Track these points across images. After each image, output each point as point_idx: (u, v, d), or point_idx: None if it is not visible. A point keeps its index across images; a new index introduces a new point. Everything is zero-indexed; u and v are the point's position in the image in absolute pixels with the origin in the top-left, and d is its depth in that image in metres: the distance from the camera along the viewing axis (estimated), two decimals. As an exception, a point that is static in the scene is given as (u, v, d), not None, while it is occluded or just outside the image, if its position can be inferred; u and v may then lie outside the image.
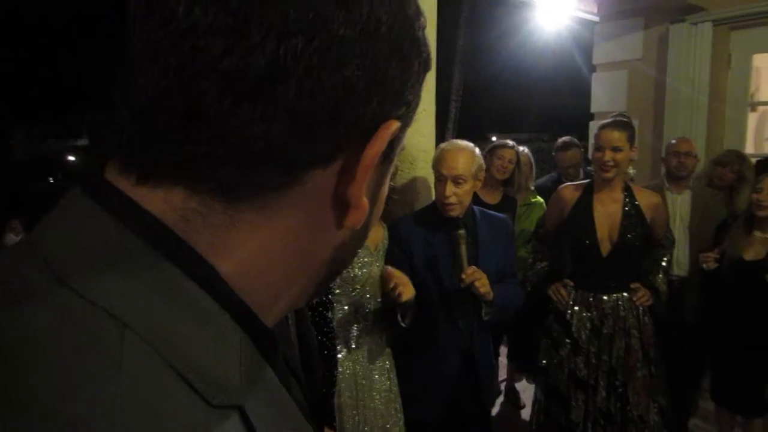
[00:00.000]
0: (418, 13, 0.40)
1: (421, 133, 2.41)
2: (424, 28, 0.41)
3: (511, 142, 3.46)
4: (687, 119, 4.10)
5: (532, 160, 3.74)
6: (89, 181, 0.36)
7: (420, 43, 0.40)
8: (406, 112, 0.40)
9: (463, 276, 1.98)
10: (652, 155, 4.39)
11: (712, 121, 4.13)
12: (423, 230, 2.14)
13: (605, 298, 2.52)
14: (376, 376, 2.09)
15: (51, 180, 20.13)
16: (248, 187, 0.35)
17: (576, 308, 2.55)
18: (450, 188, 2.06)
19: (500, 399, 3.76)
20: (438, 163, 2.11)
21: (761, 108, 5.15)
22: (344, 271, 1.94)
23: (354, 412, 2.01)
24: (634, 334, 2.48)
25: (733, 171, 3.32)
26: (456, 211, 2.10)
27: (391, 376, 2.15)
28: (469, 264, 2.01)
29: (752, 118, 4.86)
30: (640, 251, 2.56)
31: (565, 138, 4.09)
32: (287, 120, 0.33)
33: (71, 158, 23.07)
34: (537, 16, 5.34)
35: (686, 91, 4.08)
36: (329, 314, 1.78)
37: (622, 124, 2.45)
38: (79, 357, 0.29)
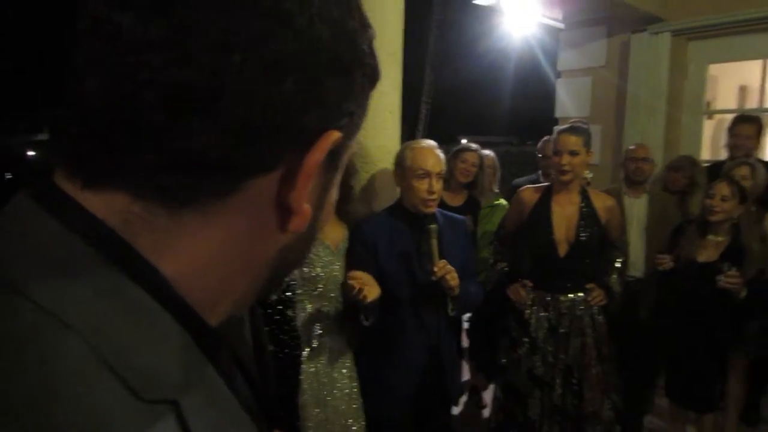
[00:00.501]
0: (365, 25, 0.42)
1: (386, 134, 2.43)
2: (371, 40, 0.43)
3: (474, 146, 3.51)
4: (646, 125, 4.22)
5: (497, 164, 3.81)
6: (38, 184, 0.37)
7: (363, 56, 0.41)
8: (349, 122, 0.42)
9: (436, 269, 2.02)
10: (614, 160, 4.51)
11: (669, 127, 4.26)
12: (388, 229, 2.16)
13: (562, 298, 2.59)
14: (338, 375, 2.11)
15: (9, 176, 19.50)
16: (191, 194, 0.36)
17: (534, 308, 2.62)
18: (434, 184, 2.11)
19: (463, 398, 3.81)
20: (419, 161, 2.13)
21: (717, 116, 5.34)
22: (306, 271, 1.99)
23: (317, 410, 2.02)
24: (588, 333, 2.55)
25: (685, 176, 3.44)
26: (433, 208, 2.16)
27: (353, 374, 2.16)
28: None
29: (708, 126, 5.03)
30: (596, 252, 2.64)
31: (546, 138, 4.16)
32: (227, 131, 0.35)
33: (31, 153, 22.39)
34: (505, 22, 5.45)
35: (646, 98, 4.20)
36: (290, 312, 1.79)
37: (579, 129, 2.53)
38: (13, 351, 0.31)
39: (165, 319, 0.36)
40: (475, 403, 3.82)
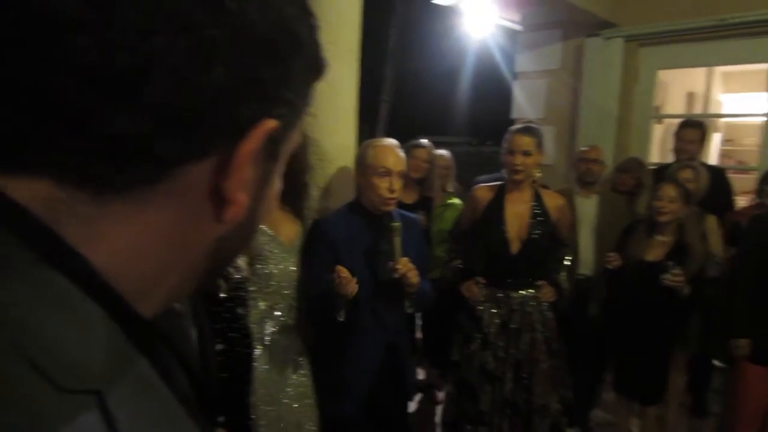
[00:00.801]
0: (305, 13, 0.41)
1: (342, 132, 2.43)
2: (313, 28, 0.42)
3: (425, 142, 3.50)
4: (599, 128, 4.34)
5: (452, 164, 3.84)
6: None
7: (302, 44, 0.40)
8: (288, 111, 0.41)
9: (399, 266, 2.05)
10: (567, 160, 4.62)
11: (621, 130, 4.40)
12: (347, 227, 2.16)
13: (513, 294, 2.64)
14: (292, 373, 2.09)
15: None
16: (117, 181, 0.35)
17: (486, 304, 2.67)
18: (395, 183, 2.12)
19: (417, 395, 3.85)
20: (380, 159, 2.13)
21: (667, 120, 5.53)
22: (259, 268, 1.96)
23: (269, 408, 2.00)
24: (538, 329, 2.62)
25: (633, 177, 3.56)
26: (392, 206, 2.17)
27: (307, 372, 2.15)
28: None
29: (658, 130, 5.21)
30: (546, 250, 2.70)
31: None
32: (153, 117, 0.33)
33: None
34: (464, 23, 5.51)
35: (599, 101, 4.32)
36: (241, 310, 1.76)
37: (532, 130, 2.59)
38: None
39: (91, 309, 0.34)
40: (429, 399, 3.86)
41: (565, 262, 2.83)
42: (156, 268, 0.40)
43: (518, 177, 2.58)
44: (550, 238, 2.67)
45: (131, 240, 0.37)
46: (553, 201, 2.70)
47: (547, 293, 2.67)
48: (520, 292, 2.65)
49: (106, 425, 0.32)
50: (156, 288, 0.41)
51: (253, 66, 0.37)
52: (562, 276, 2.80)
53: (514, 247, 2.60)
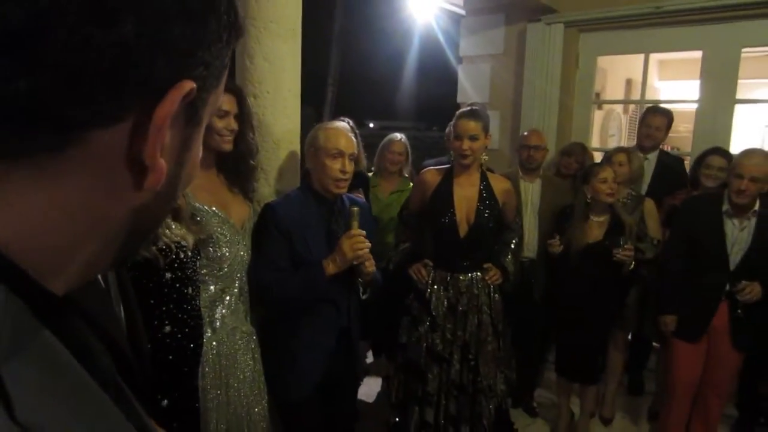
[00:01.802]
0: None
1: (285, 114, 2.37)
2: None
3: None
4: (541, 113, 4.41)
5: (408, 148, 3.84)
6: None
7: (218, 3, 0.39)
8: (204, 72, 0.40)
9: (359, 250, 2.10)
10: (511, 144, 4.68)
11: (562, 115, 4.47)
12: (300, 210, 2.15)
13: (461, 277, 2.66)
14: (241, 358, 2.07)
15: None
16: (19, 146, 0.33)
17: (435, 287, 2.68)
18: (347, 164, 2.15)
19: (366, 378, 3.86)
20: (332, 141, 2.15)
21: (606, 106, 5.68)
22: (210, 251, 1.91)
23: (218, 392, 1.97)
24: (485, 311, 2.65)
25: (577, 161, 3.64)
26: (344, 189, 2.20)
27: (256, 356, 2.14)
28: None
29: (598, 116, 5.34)
30: (493, 233, 2.74)
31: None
32: (55, 77, 0.31)
33: None
34: (409, 6, 5.48)
35: (541, 86, 4.37)
36: (189, 290, 1.71)
37: (478, 114, 2.60)
38: None
39: None
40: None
41: (512, 246, 2.86)
42: (69, 241, 0.38)
43: (466, 161, 2.59)
44: (496, 222, 2.70)
45: (38, 211, 0.35)
46: (499, 185, 2.73)
47: (494, 276, 2.71)
48: (468, 274, 2.67)
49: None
50: (70, 261, 0.39)
51: (163, 23, 0.35)
52: (509, 259, 2.83)
53: (462, 230, 2.62)
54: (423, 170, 2.90)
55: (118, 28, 0.32)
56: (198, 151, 0.46)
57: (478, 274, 2.68)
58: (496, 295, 2.71)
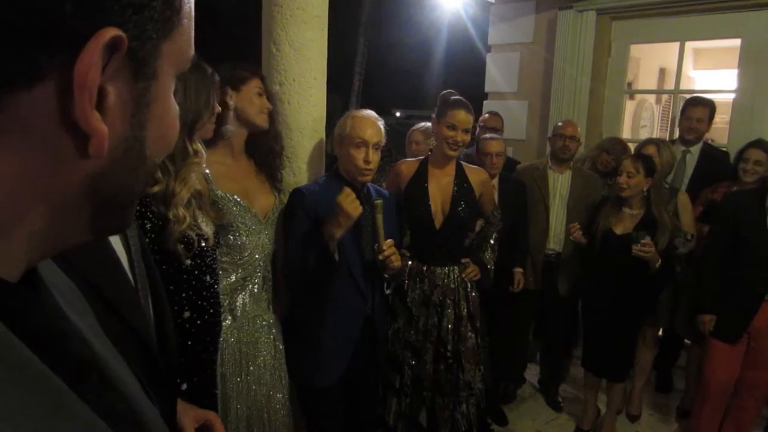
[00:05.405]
0: None
1: (311, 102, 2.35)
2: None
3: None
4: (571, 102, 4.32)
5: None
6: None
7: None
8: (135, 17, 0.35)
9: (384, 248, 2.12)
10: (539, 134, 4.60)
11: (593, 105, 4.38)
12: (327, 196, 2.12)
13: (438, 270, 2.62)
14: (262, 345, 2.08)
15: None
16: None
17: (410, 279, 2.63)
18: (371, 154, 2.14)
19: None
20: (357, 130, 2.15)
21: (639, 96, 5.53)
22: (231, 239, 1.91)
23: (238, 379, 1.99)
24: (463, 306, 2.61)
25: (615, 159, 3.52)
26: (370, 178, 2.21)
27: (277, 344, 2.14)
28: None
29: (630, 106, 5.21)
30: (469, 225, 2.71)
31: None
32: None
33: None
34: (437, -6, 5.41)
35: (571, 75, 4.28)
36: (207, 278, 1.70)
37: (470, 107, 2.57)
38: None
39: None
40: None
41: (491, 241, 2.81)
42: (6, 218, 0.34)
43: (455, 153, 2.56)
44: (473, 214, 2.66)
45: None
46: (476, 176, 2.68)
47: (471, 272, 2.66)
48: (444, 267, 2.62)
49: None
50: (10, 241, 0.35)
51: None
52: (487, 255, 2.78)
53: (438, 221, 2.58)
54: (398, 161, 2.83)
55: None
56: (167, 109, 0.42)
57: (455, 268, 2.64)
58: (474, 292, 2.66)
